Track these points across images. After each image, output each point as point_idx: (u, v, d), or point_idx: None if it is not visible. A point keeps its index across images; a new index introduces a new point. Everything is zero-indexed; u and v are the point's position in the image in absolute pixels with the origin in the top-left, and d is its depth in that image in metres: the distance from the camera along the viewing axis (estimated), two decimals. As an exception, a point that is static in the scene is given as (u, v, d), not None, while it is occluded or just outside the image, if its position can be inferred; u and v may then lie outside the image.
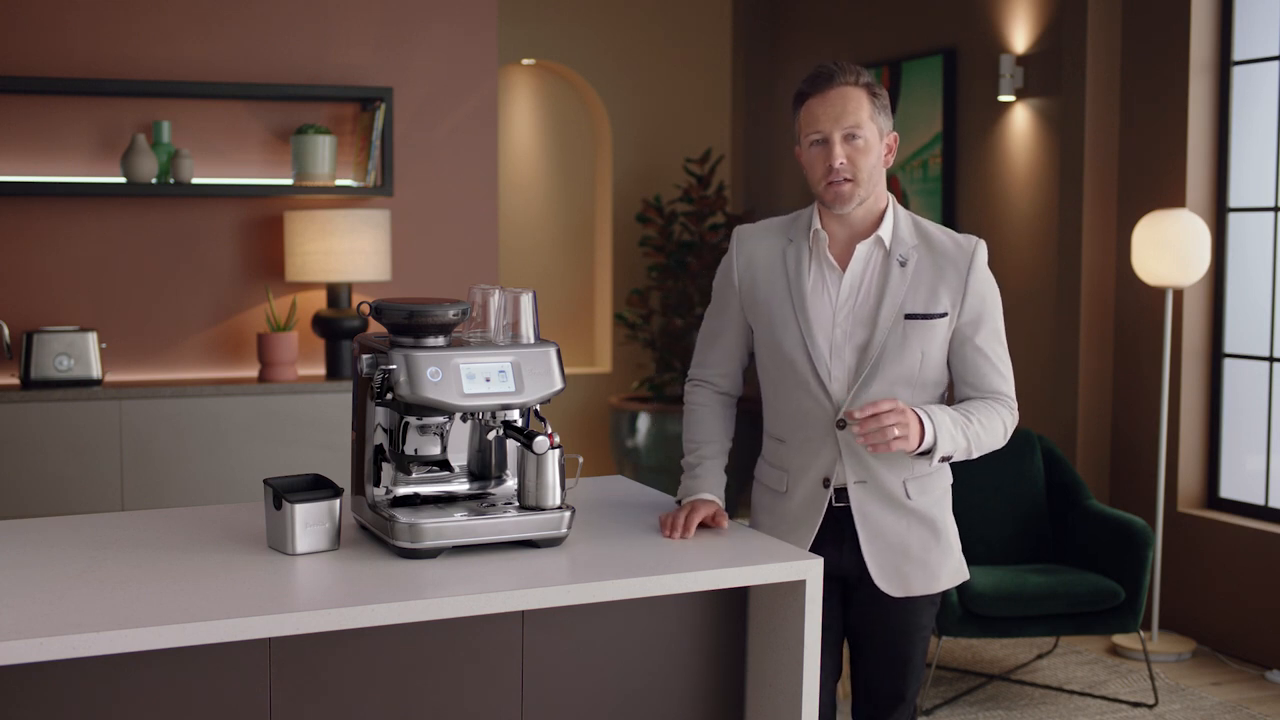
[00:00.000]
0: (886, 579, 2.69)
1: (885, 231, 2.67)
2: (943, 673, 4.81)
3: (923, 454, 2.59)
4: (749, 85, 7.74)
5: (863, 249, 2.67)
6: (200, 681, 2.24)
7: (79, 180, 4.84)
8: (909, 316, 2.64)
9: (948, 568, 2.74)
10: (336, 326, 4.91)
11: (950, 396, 2.77)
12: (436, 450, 2.58)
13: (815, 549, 2.69)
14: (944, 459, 2.61)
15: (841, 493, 2.69)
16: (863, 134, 2.61)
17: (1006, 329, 2.77)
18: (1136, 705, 4.53)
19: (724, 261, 2.82)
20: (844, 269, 2.68)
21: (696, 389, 2.88)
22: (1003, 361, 2.70)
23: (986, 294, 2.68)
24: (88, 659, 2.16)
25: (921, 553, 2.70)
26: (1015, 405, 2.72)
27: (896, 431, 2.50)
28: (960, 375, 2.70)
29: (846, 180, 2.61)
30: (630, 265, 7.72)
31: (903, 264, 2.65)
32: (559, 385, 2.55)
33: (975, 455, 2.66)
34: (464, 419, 2.61)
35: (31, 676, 2.14)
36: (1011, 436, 4.86)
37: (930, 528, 2.70)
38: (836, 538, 2.70)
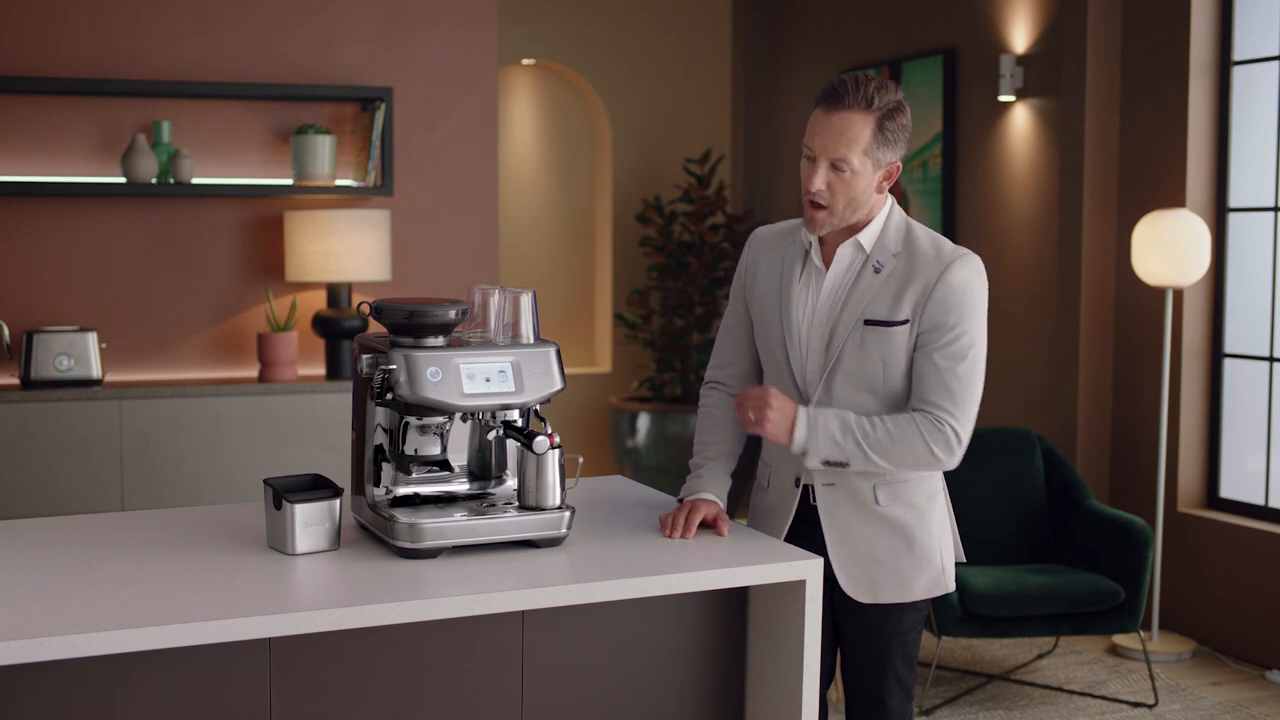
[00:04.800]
0: (853, 584, 2.67)
1: (866, 237, 2.63)
2: (943, 673, 4.81)
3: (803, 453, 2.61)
4: (749, 85, 7.75)
5: (843, 252, 2.65)
6: (200, 681, 2.24)
7: (79, 180, 4.84)
8: (869, 322, 2.59)
9: (923, 579, 2.69)
10: (336, 326, 4.91)
11: None
12: (436, 450, 2.58)
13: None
14: (830, 464, 2.58)
15: (815, 492, 2.69)
16: (850, 166, 2.54)
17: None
18: (1136, 705, 4.53)
19: (739, 263, 2.85)
20: (828, 271, 2.68)
21: (710, 391, 2.89)
22: (956, 380, 2.55)
23: (954, 306, 2.56)
24: (88, 659, 2.16)
25: (892, 560, 2.66)
26: (952, 424, 2.55)
27: (751, 415, 2.58)
28: (912, 386, 2.62)
29: (821, 207, 2.58)
30: (630, 265, 7.72)
31: (877, 270, 2.61)
32: (559, 385, 2.55)
33: (884, 464, 2.57)
34: (464, 419, 2.61)
35: (31, 676, 2.14)
36: (1012, 437, 4.90)
37: (903, 536, 2.67)
38: (811, 538, 2.70)
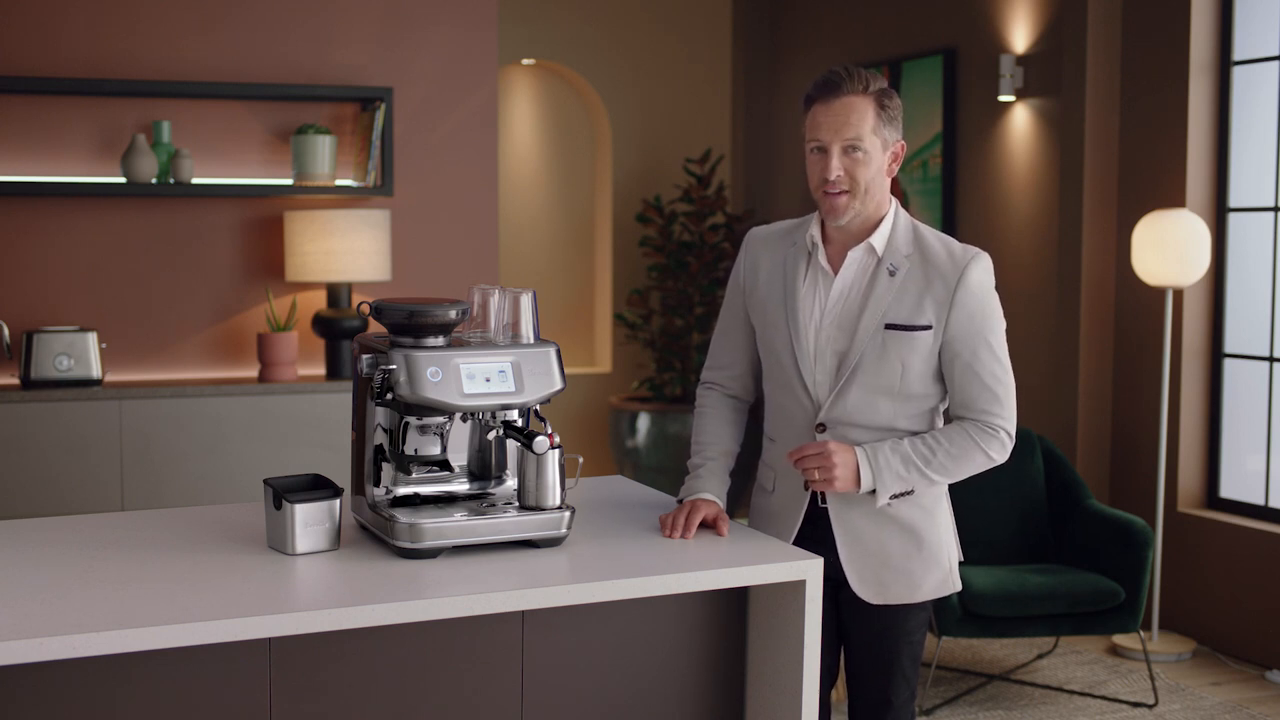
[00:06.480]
0: (864, 585, 2.68)
1: (878, 239, 2.64)
2: (943, 673, 4.81)
3: (871, 491, 2.61)
4: (749, 85, 7.75)
5: (855, 255, 2.65)
6: (200, 681, 2.24)
7: (79, 180, 4.84)
8: (889, 326, 2.60)
9: (932, 579, 2.70)
10: (336, 326, 4.91)
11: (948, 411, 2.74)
12: (436, 450, 2.58)
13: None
14: (898, 496, 2.62)
15: (824, 495, 2.69)
16: (863, 146, 2.57)
17: (1007, 330, 2.72)
18: (1136, 705, 4.53)
19: (735, 263, 2.84)
20: (836, 274, 2.67)
21: (707, 392, 2.89)
22: (998, 381, 2.62)
23: (977, 310, 2.60)
24: (88, 659, 2.16)
25: (902, 561, 2.67)
26: (1006, 427, 2.63)
27: (817, 475, 2.57)
28: (951, 394, 2.66)
29: (843, 192, 2.59)
30: (630, 265, 7.72)
31: (892, 273, 2.62)
32: (559, 385, 2.55)
33: (946, 482, 2.65)
34: (464, 419, 2.61)
35: (31, 676, 2.14)
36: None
37: (913, 537, 2.68)
38: (820, 539, 2.69)
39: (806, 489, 2.67)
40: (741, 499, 6.82)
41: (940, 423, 2.71)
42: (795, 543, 2.70)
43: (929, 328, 2.61)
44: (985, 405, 2.62)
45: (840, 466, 2.56)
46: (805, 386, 2.66)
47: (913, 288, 2.62)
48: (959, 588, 2.77)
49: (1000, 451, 2.64)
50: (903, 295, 2.61)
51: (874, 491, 2.60)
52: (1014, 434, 2.65)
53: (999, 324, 2.64)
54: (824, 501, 2.69)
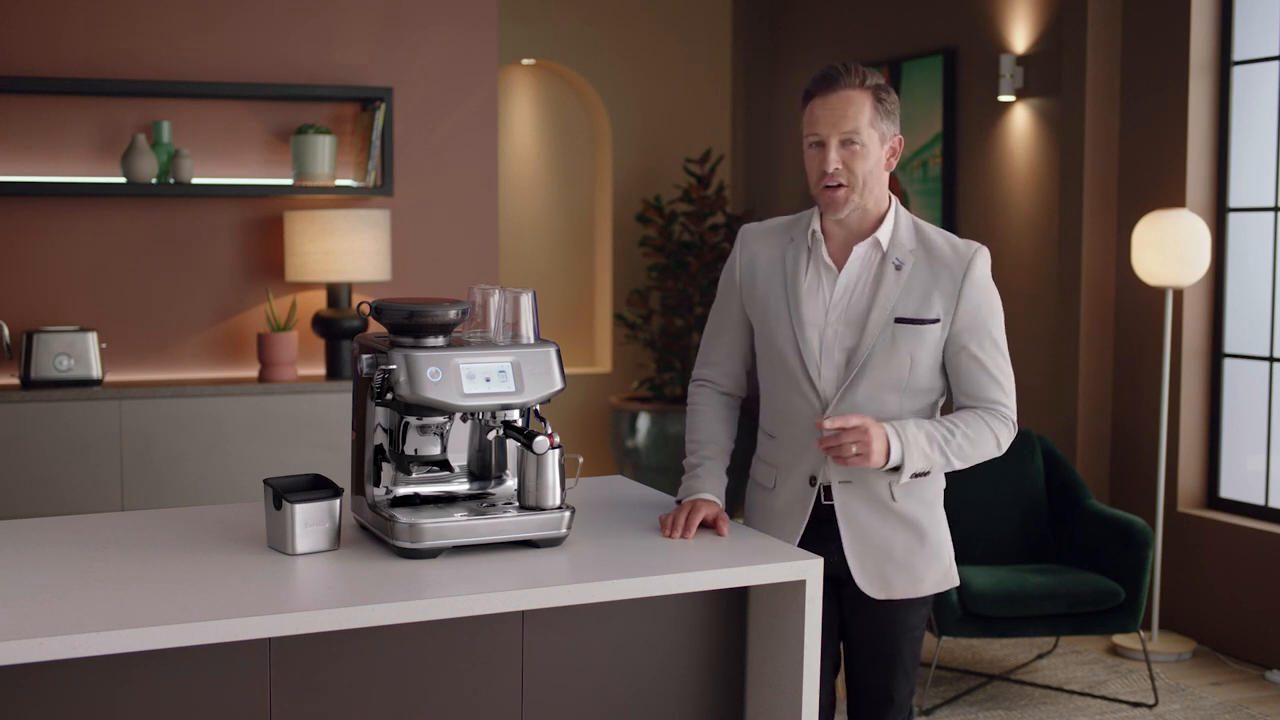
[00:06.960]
0: (869, 580, 2.69)
1: (883, 234, 2.66)
2: (943, 673, 4.81)
3: (893, 469, 2.60)
4: (749, 85, 7.75)
5: (860, 250, 2.67)
6: (200, 681, 2.24)
7: (79, 180, 4.84)
8: (899, 321, 2.62)
9: (933, 573, 2.72)
10: (336, 326, 4.91)
11: (948, 406, 2.76)
12: (436, 450, 2.58)
13: (802, 547, 2.69)
14: (918, 475, 2.63)
15: (829, 491, 2.69)
16: (860, 139, 2.59)
17: (1007, 329, 2.75)
18: (1136, 705, 4.53)
19: (728, 260, 2.84)
20: (840, 270, 2.68)
21: (699, 389, 2.89)
22: (1001, 371, 2.67)
23: (982, 302, 2.65)
24: (88, 659, 2.16)
25: (905, 556, 2.69)
26: (1012, 416, 2.68)
27: (855, 449, 2.54)
28: (956, 384, 2.68)
29: (841, 185, 2.61)
30: (630, 265, 7.72)
31: (898, 267, 2.64)
32: (559, 385, 2.55)
33: (961, 466, 2.66)
34: (464, 419, 2.61)
35: (31, 676, 2.14)
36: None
37: (916, 532, 2.69)
38: (823, 536, 2.70)
39: (813, 484, 2.68)
40: (737, 496, 6.81)
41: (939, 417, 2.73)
42: (799, 540, 2.70)
43: (937, 321, 2.63)
44: (992, 394, 2.66)
45: (876, 440, 2.55)
46: (812, 382, 2.67)
47: (919, 282, 2.64)
48: (957, 582, 2.79)
49: (1007, 438, 2.68)
50: (910, 289, 2.64)
51: (897, 469, 2.60)
52: (1016, 422, 2.68)
53: (1000, 315, 2.69)
54: (829, 498, 2.69)
